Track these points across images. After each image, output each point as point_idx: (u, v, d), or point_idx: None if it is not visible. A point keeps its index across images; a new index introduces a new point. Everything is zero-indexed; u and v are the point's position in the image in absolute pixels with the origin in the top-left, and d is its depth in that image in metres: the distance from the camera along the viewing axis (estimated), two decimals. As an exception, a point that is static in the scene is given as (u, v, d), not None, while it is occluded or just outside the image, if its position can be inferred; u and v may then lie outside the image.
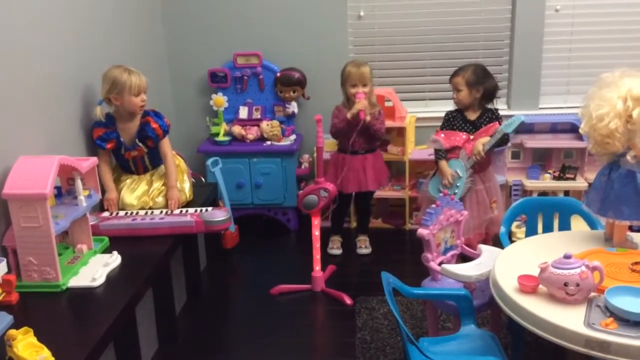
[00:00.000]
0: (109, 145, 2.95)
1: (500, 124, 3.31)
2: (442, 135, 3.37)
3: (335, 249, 3.70)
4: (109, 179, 2.98)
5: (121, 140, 2.98)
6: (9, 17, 2.38)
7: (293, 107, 4.11)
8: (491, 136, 3.25)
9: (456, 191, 3.24)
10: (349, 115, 3.37)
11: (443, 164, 3.34)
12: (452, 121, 3.39)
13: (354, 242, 3.79)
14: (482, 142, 3.25)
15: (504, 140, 3.31)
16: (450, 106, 3.50)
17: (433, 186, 3.42)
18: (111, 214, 2.88)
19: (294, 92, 4.07)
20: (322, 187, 3.28)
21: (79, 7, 2.95)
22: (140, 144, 3.01)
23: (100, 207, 2.97)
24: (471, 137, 3.32)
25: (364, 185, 3.56)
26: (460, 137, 3.33)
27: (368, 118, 3.39)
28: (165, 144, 3.07)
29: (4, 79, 2.33)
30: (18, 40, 2.43)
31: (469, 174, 3.29)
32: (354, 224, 4.04)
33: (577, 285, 1.87)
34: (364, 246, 3.74)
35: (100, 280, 2.30)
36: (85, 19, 3.02)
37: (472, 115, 3.36)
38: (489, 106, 3.38)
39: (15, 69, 2.40)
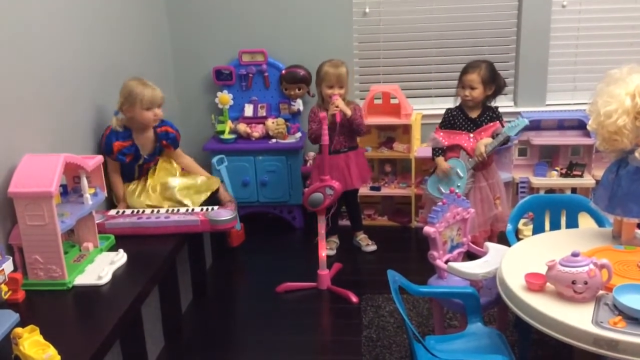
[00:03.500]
0: (127, 159, 2.98)
1: (501, 122, 3.29)
2: (442, 133, 3.35)
3: (329, 250, 3.62)
4: (120, 187, 3.03)
5: (140, 154, 3.02)
6: (14, 17, 2.38)
7: (298, 104, 4.10)
8: (494, 137, 3.23)
9: (457, 191, 3.21)
10: (332, 111, 3.30)
11: (440, 159, 3.33)
12: (452, 119, 3.35)
13: (356, 240, 3.77)
14: (485, 143, 3.22)
15: (505, 141, 3.28)
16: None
17: (432, 184, 3.41)
18: (117, 212, 2.88)
19: (299, 89, 4.06)
20: (328, 185, 3.26)
21: (83, 7, 2.95)
22: (157, 156, 3.12)
23: (107, 206, 2.98)
24: (471, 135, 3.30)
25: (349, 183, 3.52)
26: (460, 135, 3.31)
27: (349, 113, 3.34)
28: (180, 153, 3.24)
29: (10, 77, 2.33)
30: (23, 39, 2.43)
31: (469, 174, 3.27)
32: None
33: (585, 283, 1.85)
34: (370, 243, 3.72)
35: (106, 278, 2.30)
36: (90, 18, 3.02)
37: (473, 114, 3.33)
38: (489, 104, 3.35)
39: (20, 68, 2.40)
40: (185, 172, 3.20)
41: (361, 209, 3.90)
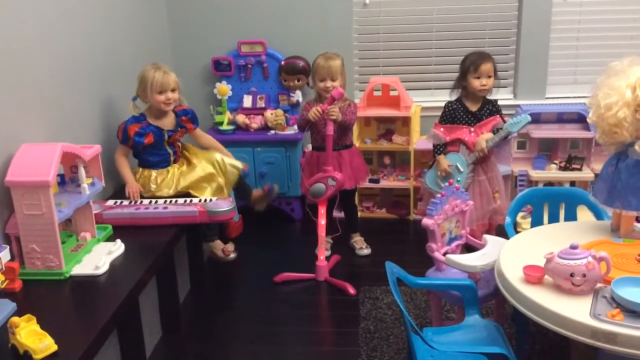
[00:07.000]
0: (147, 140, 3.02)
1: (501, 116, 3.27)
2: (442, 129, 3.32)
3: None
4: (128, 171, 3.07)
5: (161, 130, 3.07)
6: (10, 7, 2.36)
7: (297, 95, 4.09)
8: (494, 133, 3.21)
9: (456, 184, 3.21)
10: (310, 116, 3.21)
11: (441, 157, 3.31)
12: (452, 113, 3.31)
13: (351, 242, 3.65)
14: (485, 138, 3.20)
15: (506, 136, 3.25)
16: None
17: (430, 178, 3.40)
18: (115, 202, 2.88)
19: (298, 80, 4.05)
20: (330, 175, 3.25)
21: (81, -6, 2.94)
22: (180, 129, 3.19)
23: (115, 196, 2.99)
24: (472, 129, 3.28)
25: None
26: (461, 130, 3.29)
27: (340, 118, 3.22)
28: (201, 133, 3.42)
29: (7, 66, 2.31)
30: (20, 28, 2.42)
31: (470, 169, 3.26)
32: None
33: (584, 275, 1.85)
34: (364, 246, 3.60)
35: (103, 268, 2.29)
36: (88, 8, 3.00)
37: (474, 107, 3.30)
38: (487, 96, 3.33)
39: (16, 57, 2.39)
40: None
41: (357, 210, 3.77)
